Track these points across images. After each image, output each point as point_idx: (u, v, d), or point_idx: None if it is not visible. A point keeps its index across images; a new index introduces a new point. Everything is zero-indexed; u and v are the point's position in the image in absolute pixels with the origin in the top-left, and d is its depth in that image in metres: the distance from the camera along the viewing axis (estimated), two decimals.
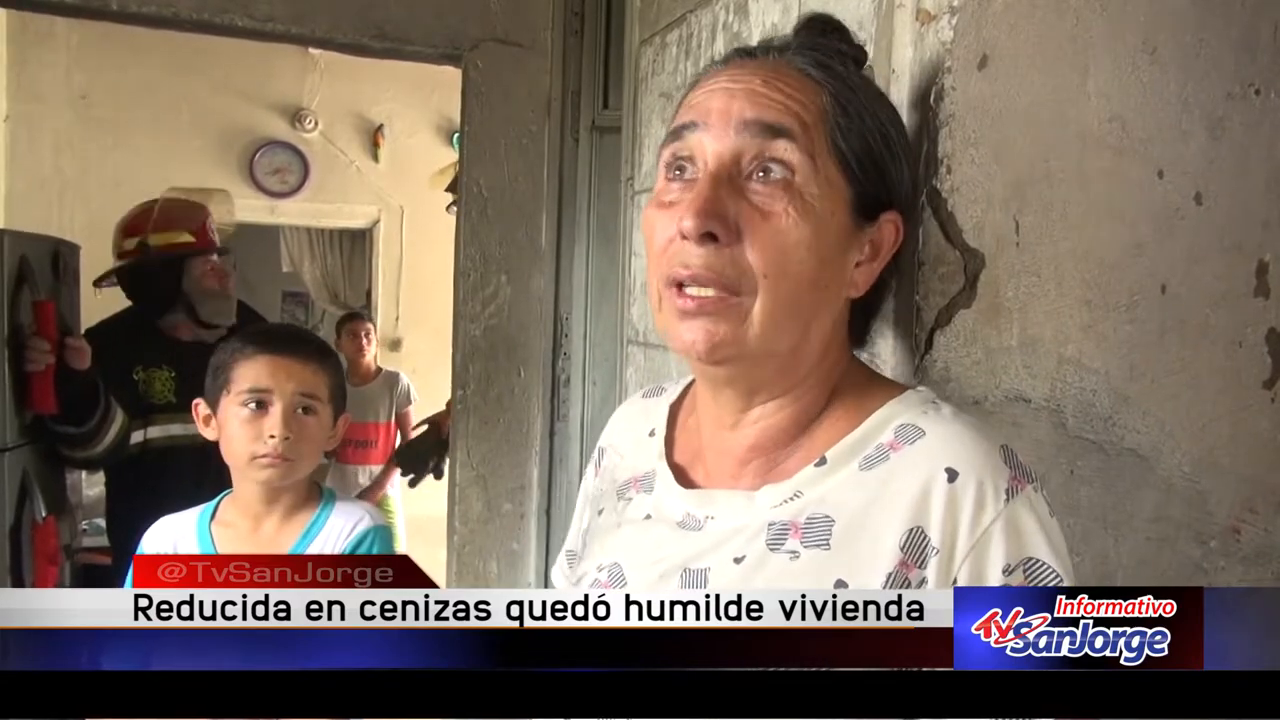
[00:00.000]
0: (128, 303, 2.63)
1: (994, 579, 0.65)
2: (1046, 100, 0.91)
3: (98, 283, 2.65)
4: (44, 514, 2.30)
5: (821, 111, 0.71)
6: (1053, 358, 0.92)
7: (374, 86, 5.09)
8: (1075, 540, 0.95)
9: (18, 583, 2.23)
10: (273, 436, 1.31)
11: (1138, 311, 0.95)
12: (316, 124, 5.17)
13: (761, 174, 0.70)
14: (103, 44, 4.58)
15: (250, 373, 1.33)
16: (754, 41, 0.94)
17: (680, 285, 0.70)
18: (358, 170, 5.30)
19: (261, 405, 1.32)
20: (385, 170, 5.31)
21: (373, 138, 5.26)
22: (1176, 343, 0.97)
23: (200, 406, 1.40)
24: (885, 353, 0.92)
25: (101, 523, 3.28)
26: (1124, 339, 0.95)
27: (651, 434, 0.87)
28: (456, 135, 3.26)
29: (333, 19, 2.24)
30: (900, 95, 0.92)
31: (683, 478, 0.81)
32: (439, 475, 3.03)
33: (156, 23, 2.19)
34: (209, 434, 1.39)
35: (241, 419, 1.32)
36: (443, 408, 3.90)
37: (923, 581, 0.65)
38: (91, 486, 3.35)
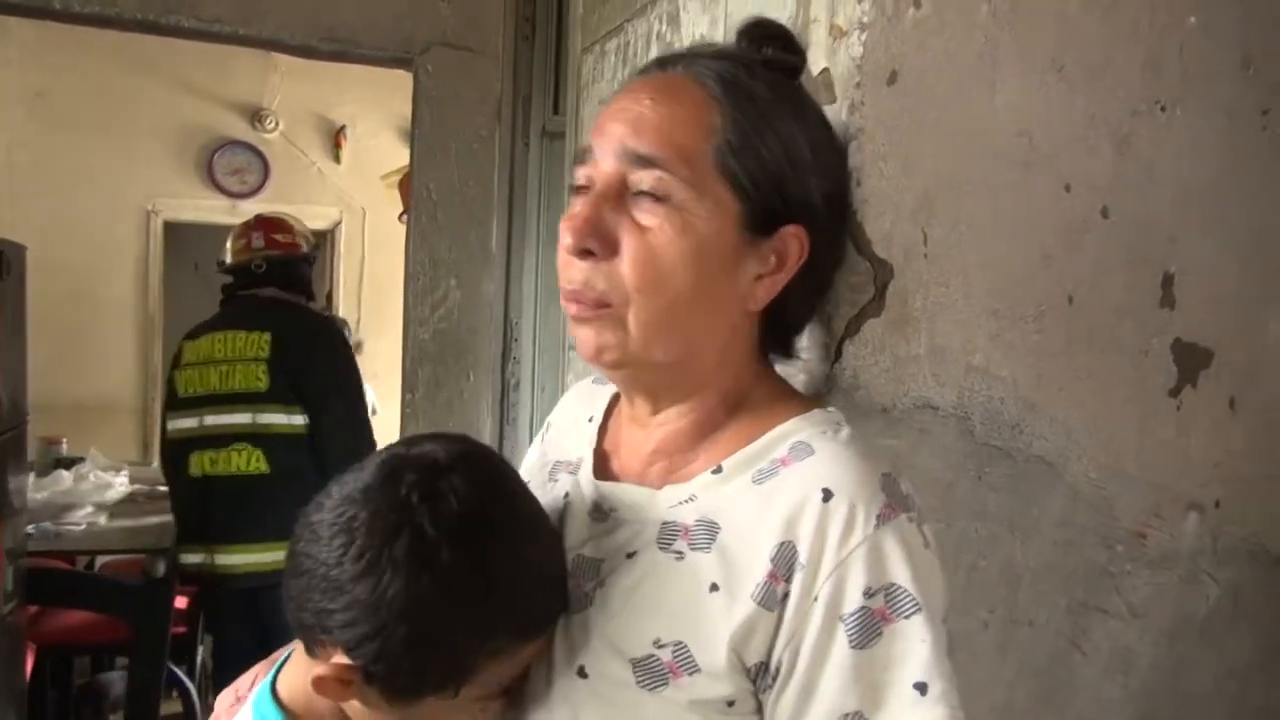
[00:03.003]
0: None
1: (854, 600, 0.66)
2: (955, 115, 0.93)
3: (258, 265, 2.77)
4: None
5: (710, 130, 0.72)
6: (960, 366, 0.94)
7: (335, 88, 5.05)
8: (983, 545, 0.97)
9: None
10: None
11: (1045, 321, 0.97)
12: (277, 124, 5.12)
13: (646, 189, 0.72)
14: (58, 41, 4.50)
15: (504, 670, 0.77)
16: None
17: (570, 296, 0.74)
18: (319, 171, 5.26)
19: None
20: (347, 172, 5.28)
21: (334, 139, 5.22)
22: (1083, 352, 0.99)
23: (345, 666, 0.73)
24: (800, 362, 0.93)
25: (49, 525, 3.24)
26: (1031, 348, 0.97)
27: (590, 420, 0.90)
28: None
29: (281, 21, 2.23)
30: None
31: (602, 467, 0.84)
32: None
33: (99, 22, 2.17)
34: (346, 700, 0.76)
35: (462, 713, 0.79)
36: None
37: (786, 595, 0.67)
38: (39, 490, 3.30)
